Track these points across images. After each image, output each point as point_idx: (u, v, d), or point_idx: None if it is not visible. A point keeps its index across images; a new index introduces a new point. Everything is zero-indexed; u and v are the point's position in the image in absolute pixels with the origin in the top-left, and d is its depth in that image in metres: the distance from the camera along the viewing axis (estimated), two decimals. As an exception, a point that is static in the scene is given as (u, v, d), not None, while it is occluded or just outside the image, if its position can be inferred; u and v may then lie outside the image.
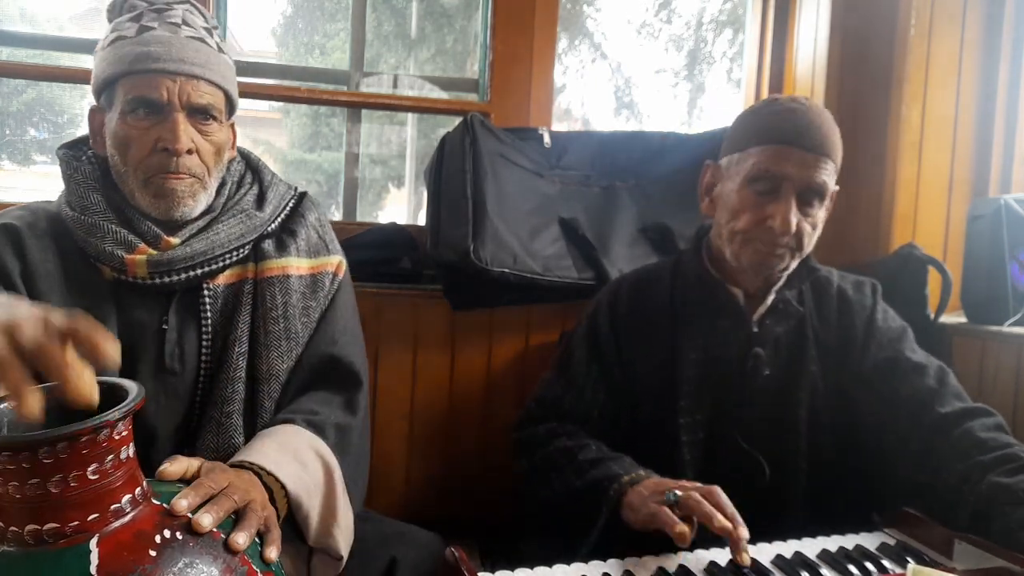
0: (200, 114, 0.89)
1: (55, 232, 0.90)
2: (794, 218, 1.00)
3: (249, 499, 0.68)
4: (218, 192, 0.96)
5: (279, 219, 1.00)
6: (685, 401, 1.07)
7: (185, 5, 0.92)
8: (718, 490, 0.85)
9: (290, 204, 1.03)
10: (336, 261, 1.04)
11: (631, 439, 1.10)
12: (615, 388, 1.13)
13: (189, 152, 0.88)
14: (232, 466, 0.76)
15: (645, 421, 1.11)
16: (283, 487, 0.77)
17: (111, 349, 0.51)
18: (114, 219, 0.89)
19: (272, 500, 0.74)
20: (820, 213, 1.03)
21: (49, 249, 0.88)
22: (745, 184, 1.02)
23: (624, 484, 0.93)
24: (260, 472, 0.76)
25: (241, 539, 0.61)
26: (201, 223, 0.93)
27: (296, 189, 1.06)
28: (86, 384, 0.50)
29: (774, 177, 1.00)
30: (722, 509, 0.83)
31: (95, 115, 0.92)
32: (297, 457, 0.83)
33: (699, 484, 0.89)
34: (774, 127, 1.01)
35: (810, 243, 1.04)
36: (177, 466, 0.68)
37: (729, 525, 0.80)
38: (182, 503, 0.60)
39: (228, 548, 0.59)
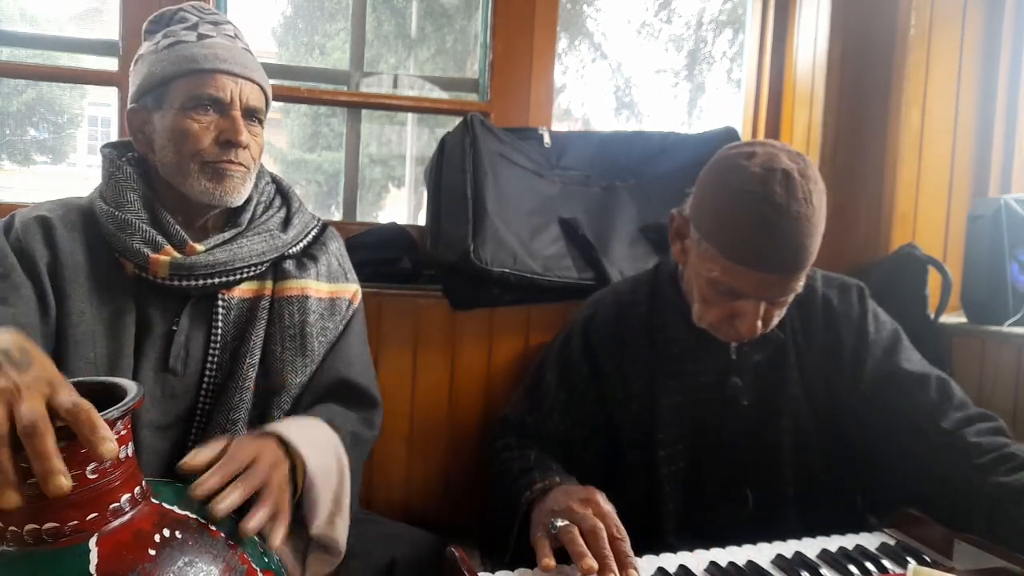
0: (251, 116, 0.96)
1: (85, 226, 0.94)
2: (761, 322, 0.95)
3: (266, 479, 0.71)
4: (246, 209, 1.01)
5: (301, 244, 1.05)
6: (663, 433, 1.05)
7: (230, 23, 0.99)
8: (600, 531, 0.81)
9: (313, 232, 1.08)
10: (353, 290, 1.09)
11: (608, 468, 1.09)
12: (586, 416, 1.10)
13: (244, 147, 0.94)
14: (262, 435, 0.79)
15: (622, 451, 1.09)
16: (305, 465, 0.79)
17: (105, 451, 0.49)
18: (146, 219, 0.93)
19: (292, 473, 0.77)
20: (792, 296, 0.97)
21: (78, 241, 0.93)
22: (709, 283, 0.96)
23: (535, 492, 0.92)
24: (288, 443, 0.79)
25: (252, 524, 0.64)
26: (227, 235, 0.97)
27: (319, 219, 1.11)
28: (59, 485, 0.48)
29: (739, 292, 0.94)
30: (597, 551, 0.79)
31: (137, 114, 0.96)
32: (316, 443, 0.85)
33: (595, 506, 0.85)
34: (746, 247, 0.89)
35: (780, 316, 0.99)
36: (200, 458, 0.70)
37: (595, 566, 0.77)
38: (197, 491, 0.64)
39: (229, 544, 0.60)
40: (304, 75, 4.74)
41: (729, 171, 0.93)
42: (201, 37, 0.94)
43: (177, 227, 0.94)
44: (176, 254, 0.92)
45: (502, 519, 0.97)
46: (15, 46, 1.74)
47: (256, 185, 1.03)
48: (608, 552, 0.79)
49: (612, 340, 1.11)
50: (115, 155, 0.98)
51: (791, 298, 0.97)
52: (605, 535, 0.81)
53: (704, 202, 0.96)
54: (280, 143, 9.74)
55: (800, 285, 0.94)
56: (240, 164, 0.94)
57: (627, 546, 0.82)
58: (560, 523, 0.84)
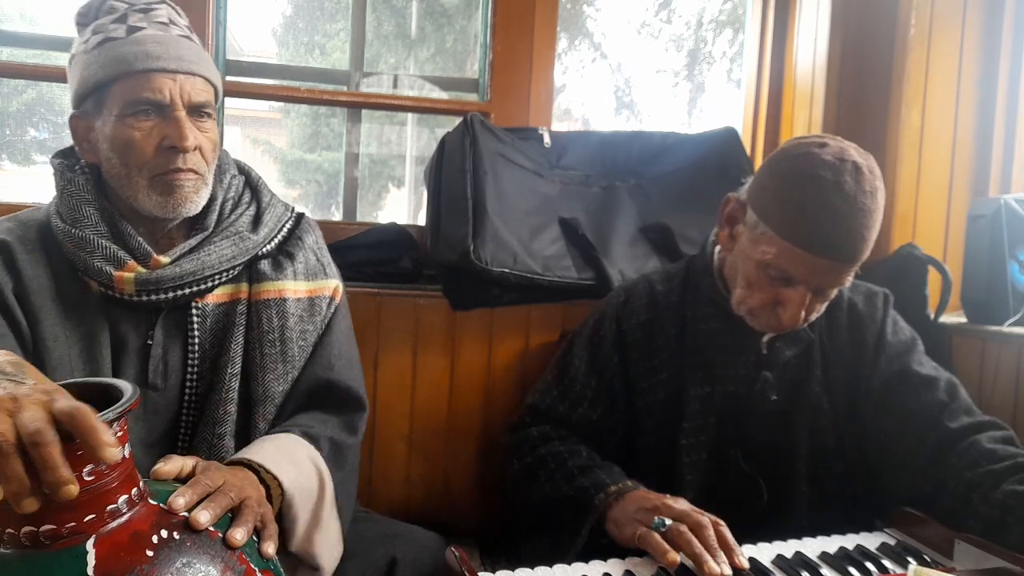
0: (198, 112, 0.89)
1: (45, 244, 0.89)
2: (804, 312, 0.96)
3: (246, 496, 0.68)
4: (211, 209, 0.95)
5: (275, 240, 0.99)
6: (689, 423, 1.05)
7: (164, 4, 0.91)
8: (708, 525, 0.83)
9: (287, 226, 1.02)
10: (333, 285, 1.03)
11: (630, 454, 1.09)
12: (614, 403, 1.11)
13: (194, 149, 0.87)
14: (229, 464, 0.77)
15: (646, 438, 1.10)
16: (280, 485, 0.77)
17: (109, 454, 0.49)
18: (105, 233, 0.88)
19: (268, 498, 0.74)
20: (837, 290, 0.98)
21: (40, 263, 0.88)
22: (759, 266, 0.96)
23: (611, 495, 0.93)
24: (259, 469, 0.77)
25: (239, 535, 0.61)
26: (193, 242, 0.92)
27: (293, 210, 1.05)
28: (68, 493, 0.48)
29: (791, 277, 0.94)
30: (710, 548, 0.81)
31: (79, 122, 0.90)
32: (293, 460, 0.82)
33: (685, 507, 0.87)
34: (808, 229, 0.90)
35: (820, 312, 1.00)
36: (171, 465, 0.68)
37: (719, 571, 0.78)
38: (179, 501, 0.60)
39: (226, 545, 0.59)
40: (304, 75, 4.74)
41: (799, 157, 0.94)
42: (131, 31, 0.85)
43: (139, 239, 0.88)
44: (140, 269, 0.87)
45: (562, 517, 0.97)
46: (15, 46, 1.74)
47: (221, 181, 0.97)
48: (716, 546, 0.81)
49: (643, 328, 1.11)
50: (65, 166, 0.92)
51: (835, 293, 0.98)
52: (712, 531, 0.83)
53: (768, 185, 0.97)
54: (280, 143, 9.72)
55: (850, 279, 0.95)
56: (190, 170, 0.87)
57: (727, 531, 0.84)
58: (669, 522, 0.84)
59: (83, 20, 0.90)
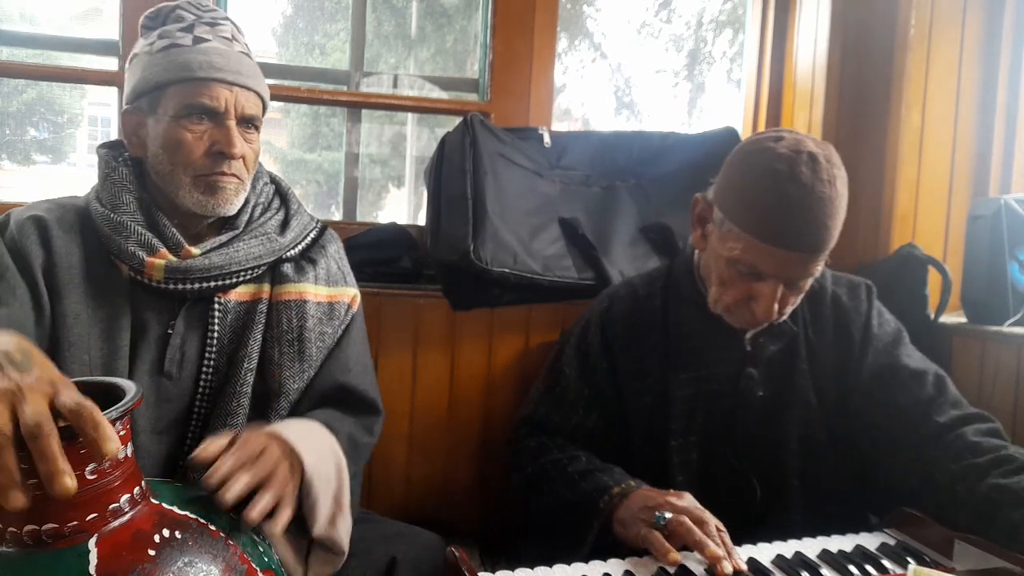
0: (246, 123, 0.95)
1: (81, 226, 0.93)
2: (778, 305, 0.96)
3: (272, 470, 0.72)
4: (243, 211, 1.00)
5: (300, 246, 1.04)
6: (676, 423, 1.06)
7: (229, 21, 0.97)
8: (709, 519, 0.85)
9: (312, 234, 1.07)
10: (352, 294, 1.07)
11: (624, 458, 1.09)
12: (607, 408, 1.11)
13: (239, 157, 0.93)
14: None
15: (637, 442, 1.10)
16: (302, 464, 0.79)
17: (109, 449, 0.49)
18: (142, 222, 0.93)
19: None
20: (809, 281, 0.99)
21: (74, 243, 0.92)
22: (729, 263, 0.97)
23: (615, 496, 0.93)
24: (289, 444, 0.79)
25: (255, 514, 0.66)
26: (223, 238, 0.96)
27: (318, 221, 1.10)
28: (65, 486, 0.48)
29: (759, 271, 0.95)
30: (711, 537, 0.82)
31: (130, 117, 0.95)
32: (315, 445, 0.85)
33: (689, 501, 0.89)
34: (769, 222, 0.92)
35: (795, 304, 1.01)
36: (214, 447, 0.72)
37: (720, 553, 0.80)
38: (211, 480, 0.66)
39: (229, 544, 0.60)
40: (304, 75, 4.75)
41: (756, 152, 0.95)
42: (197, 41, 0.92)
43: (173, 230, 0.93)
44: (171, 257, 0.91)
45: (567, 523, 0.98)
46: (15, 46, 1.75)
47: (254, 186, 1.02)
48: (718, 539, 0.82)
49: (627, 333, 1.12)
50: (110, 156, 0.98)
51: (808, 284, 0.99)
52: (713, 526, 0.84)
53: (730, 182, 0.98)
54: (280, 143, 9.72)
55: (818, 269, 0.96)
56: (233, 175, 0.93)
57: (727, 537, 0.85)
58: (668, 515, 0.85)
59: (151, 24, 0.95)
